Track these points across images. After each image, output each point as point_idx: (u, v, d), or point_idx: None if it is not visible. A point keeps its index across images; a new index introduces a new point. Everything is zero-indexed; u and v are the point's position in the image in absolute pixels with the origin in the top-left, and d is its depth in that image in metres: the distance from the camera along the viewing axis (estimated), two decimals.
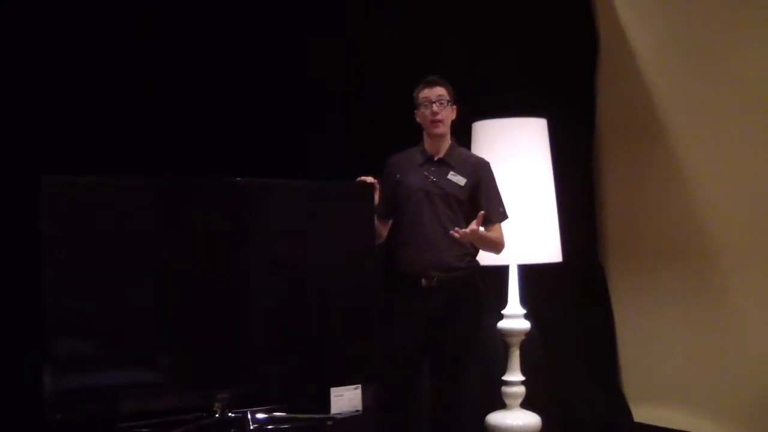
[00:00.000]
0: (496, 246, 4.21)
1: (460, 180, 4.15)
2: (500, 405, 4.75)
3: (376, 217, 4.17)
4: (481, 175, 4.20)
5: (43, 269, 3.37)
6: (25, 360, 3.51)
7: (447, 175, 4.15)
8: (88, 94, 4.02)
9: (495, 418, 4.70)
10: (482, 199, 4.17)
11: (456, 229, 3.96)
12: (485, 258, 4.31)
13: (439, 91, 4.14)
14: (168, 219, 3.75)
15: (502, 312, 4.74)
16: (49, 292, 3.38)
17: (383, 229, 4.27)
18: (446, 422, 4.19)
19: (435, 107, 4.12)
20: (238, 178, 3.93)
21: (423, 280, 4.11)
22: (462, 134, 4.55)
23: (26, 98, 3.85)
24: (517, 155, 4.69)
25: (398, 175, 4.22)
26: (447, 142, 4.21)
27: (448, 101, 4.14)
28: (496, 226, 4.20)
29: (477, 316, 4.27)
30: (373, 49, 4.96)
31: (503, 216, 4.24)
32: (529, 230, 4.63)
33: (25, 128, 3.84)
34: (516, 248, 4.52)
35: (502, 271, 4.76)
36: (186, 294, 3.75)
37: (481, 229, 4.03)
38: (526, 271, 4.81)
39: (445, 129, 4.17)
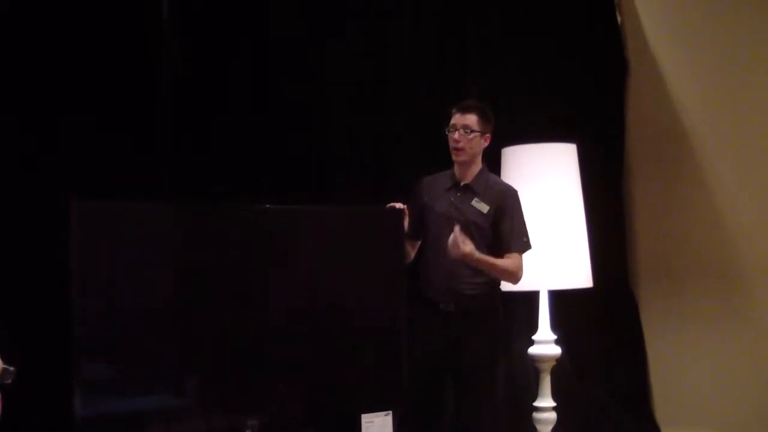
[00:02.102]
0: (508, 275, 4.17)
1: (484, 207, 4.13)
2: (531, 431, 4.72)
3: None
4: (506, 204, 4.16)
5: (73, 293, 3.38)
6: (55, 384, 3.52)
7: (471, 201, 4.14)
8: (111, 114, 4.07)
9: None
10: (505, 228, 4.14)
11: (457, 229, 3.94)
12: (515, 284, 4.29)
13: (468, 120, 4.12)
14: (197, 244, 3.77)
15: (533, 338, 4.72)
16: (78, 316, 3.38)
17: (411, 250, 4.26)
18: None
19: (457, 135, 4.12)
20: (268, 205, 3.94)
21: (441, 304, 4.11)
22: (492, 160, 4.55)
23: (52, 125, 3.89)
24: (547, 180, 4.68)
25: (426, 198, 4.22)
26: (475, 168, 4.19)
27: (475, 131, 4.12)
28: (515, 255, 4.17)
29: (495, 341, 4.24)
30: (401, 70, 4.98)
31: (526, 246, 4.19)
32: (560, 256, 4.61)
33: (54, 153, 3.87)
34: (546, 274, 4.51)
35: (532, 296, 4.74)
36: (214, 319, 3.75)
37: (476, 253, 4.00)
38: (556, 296, 4.78)
39: (466, 157, 4.15)
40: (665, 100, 5.61)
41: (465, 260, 3.98)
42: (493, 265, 4.10)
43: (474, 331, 4.09)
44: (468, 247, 3.92)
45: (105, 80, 4.04)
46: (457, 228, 3.92)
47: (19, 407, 3.27)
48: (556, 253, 4.58)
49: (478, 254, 3.98)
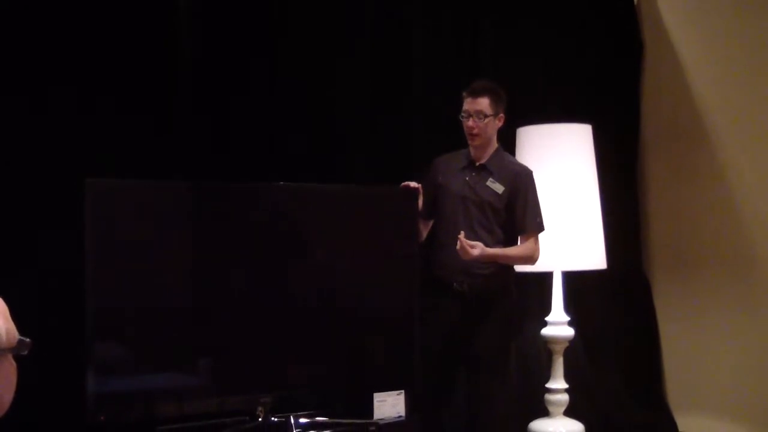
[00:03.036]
0: (524, 260, 4.18)
1: (498, 188, 4.11)
2: (543, 412, 4.71)
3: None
4: (521, 184, 4.15)
5: (86, 272, 3.39)
6: (69, 361, 3.53)
7: (486, 181, 4.13)
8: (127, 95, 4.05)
9: (538, 425, 4.66)
10: (519, 208, 4.12)
11: (461, 236, 3.93)
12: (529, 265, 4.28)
13: (480, 105, 4.09)
14: (209, 223, 3.77)
15: (546, 319, 4.71)
16: (91, 296, 3.40)
17: (423, 229, 4.25)
18: (481, 428, 4.18)
19: (471, 122, 4.10)
20: (281, 183, 3.93)
21: (455, 284, 4.10)
22: (507, 140, 4.53)
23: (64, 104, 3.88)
24: (562, 161, 4.66)
25: (440, 178, 4.21)
26: (491, 149, 4.18)
27: (488, 115, 4.10)
28: (530, 237, 4.16)
29: (508, 322, 4.24)
30: (416, 51, 4.95)
31: (539, 227, 4.17)
32: (573, 237, 4.60)
33: (66, 132, 3.86)
34: (560, 255, 4.49)
35: (545, 277, 4.73)
36: (229, 299, 3.76)
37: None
38: (569, 278, 4.77)
39: (481, 141, 4.13)
40: (681, 82, 5.58)
41: (479, 261, 3.97)
42: (507, 257, 4.11)
43: (487, 312, 4.08)
44: (476, 250, 3.91)
45: (124, 60, 4.02)
46: (461, 235, 3.91)
47: (34, 386, 3.32)
48: (570, 234, 4.57)
49: (489, 250, 3.97)
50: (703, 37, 5.52)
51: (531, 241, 4.14)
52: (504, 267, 4.15)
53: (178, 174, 4.05)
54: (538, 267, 4.35)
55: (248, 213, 3.84)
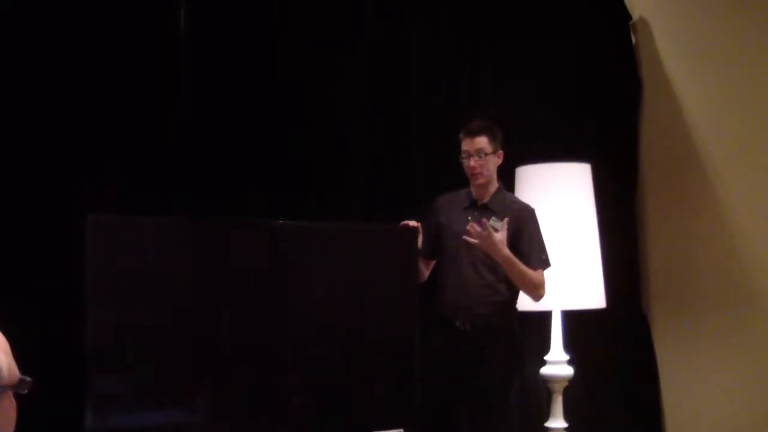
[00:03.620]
0: (532, 286, 4.13)
1: (501, 226, 4.13)
2: None
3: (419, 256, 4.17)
4: (524, 222, 4.17)
5: (87, 306, 3.39)
6: (68, 398, 3.51)
7: (489, 221, 4.15)
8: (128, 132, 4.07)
9: None
10: (524, 245, 4.13)
11: (472, 225, 3.92)
12: (528, 304, 4.28)
13: (479, 143, 4.12)
14: (210, 258, 3.78)
15: (545, 358, 4.70)
16: (91, 330, 3.40)
17: (426, 269, 4.26)
18: None
19: (473, 161, 4.12)
20: (281, 221, 3.95)
21: (458, 323, 4.10)
22: (506, 179, 4.55)
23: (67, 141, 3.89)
24: (561, 200, 4.68)
25: (442, 217, 4.23)
26: (492, 187, 4.20)
27: (488, 153, 4.12)
28: (538, 271, 4.16)
29: (510, 361, 4.24)
30: (416, 51, 5.00)
31: (545, 264, 4.19)
32: (573, 276, 4.60)
33: (68, 167, 3.87)
34: (559, 293, 4.50)
35: (545, 317, 4.72)
36: (228, 334, 3.76)
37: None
38: (569, 317, 4.77)
39: (484, 180, 4.16)
40: (680, 120, 5.60)
41: (495, 253, 3.95)
42: (522, 271, 4.07)
43: (489, 350, 4.09)
44: (499, 235, 3.91)
45: (123, 61, 4.04)
46: (473, 224, 3.91)
47: (33, 421, 3.31)
48: (569, 273, 4.57)
49: (507, 250, 3.97)
50: (701, 75, 5.54)
51: (541, 274, 4.14)
52: (507, 306, 4.15)
53: (178, 179, 4.12)
54: (538, 306, 4.35)
55: (247, 249, 3.85)
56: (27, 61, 3.84)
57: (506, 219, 4.01)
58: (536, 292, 4.15)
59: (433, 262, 4.27)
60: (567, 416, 4.67)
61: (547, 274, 4.22)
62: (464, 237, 3.97)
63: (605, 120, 5.57)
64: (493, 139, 4.14)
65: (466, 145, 4.13)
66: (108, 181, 3.88)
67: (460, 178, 4.25)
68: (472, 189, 4.21)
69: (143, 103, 4.09)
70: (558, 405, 4.66)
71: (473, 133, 4.13)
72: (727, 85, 5.39)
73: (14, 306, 3.53)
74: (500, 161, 4.19)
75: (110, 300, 3.47)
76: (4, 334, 1.58)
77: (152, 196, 4.03)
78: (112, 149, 3.97)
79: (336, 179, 4.62)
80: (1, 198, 3.72)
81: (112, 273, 3.49)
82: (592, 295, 4.69)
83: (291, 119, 4.54)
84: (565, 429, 4.65)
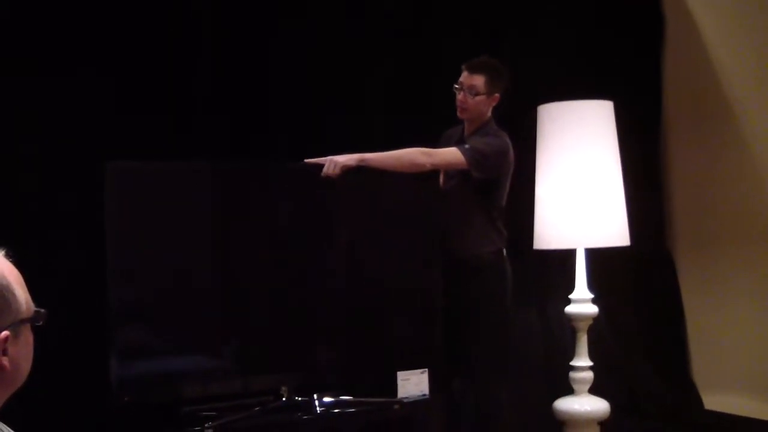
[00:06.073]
0: (406, 161, 3.91)
1: None
2: (568, 391, 4.69)
3: None
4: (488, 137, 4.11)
5: (108, 256, 3.40)
6: (94, 343, 3.54)
7: None
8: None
9: (563, 403, 4.64)
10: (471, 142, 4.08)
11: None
12: (550, 242, 4.26)
13: (475, 80, 4.05)
14: (233, 204, 3.77)
15: (569, 296, 4.68)
16: (114, 279, 3.41)
17: None
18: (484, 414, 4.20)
19: (461, 96, 4.08)
20: (302, 163, 3.93)
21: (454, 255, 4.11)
22: (528, 118, 4.54)
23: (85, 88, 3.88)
24: (584, 138, 4.61)
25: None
26: (478, 124, 4.14)
27: (480, 93, 4.06)
28: (450, 150, 4.03)
29: (500, 299, 4.20)
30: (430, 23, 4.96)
31: (465, 151, 4.00)
32: (596, 214, 4.55)
33: (86, 114, 3.86)
34: (583, 231, 4.46)
35: (568, 254, 4.70)
36: (253, 280, 3.77)
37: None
38: (593, 255, 4.74)
39: (468, 115, 4.11)
40: (703, 57, 5.53)
41: (348, 162, 3.78)
42: (390, 155, 3.89)
43: (480, 286, 4.09)
44: (340, 158, 3.78)
45: (141, 60, 4.02)
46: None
47: (58, 368, 3.34)
48: (593, 211, 4.52)
49: (363, 155, 3.84)
50: (725, 11, 5.48)
51: (451, 150, 4.04)
52: (495, 248, 4.14)
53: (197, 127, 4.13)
54: (561, 244, 4.32)
55: (271, 193, 3.84)
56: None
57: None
58: (413, 160, 3.92)
59: None
60: (592, 355, 4.67)
61: (571, 211, 4.18)
62: (322, 174, 3.79)
63: (628, 57, 5.52)
64: (492, 80, 4.06)
65: (463, 78, 4.08)
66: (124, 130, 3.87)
67: None
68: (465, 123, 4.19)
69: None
70: (583, 343, 4.65)
71: (473, 69, 4.07)
72: (754, 19, 5.31)
73: (36, 255, 3.56)
74: (494, 104, 4.12)
75: (132, 247, 3.47)
76: (28, 284, 1.60)
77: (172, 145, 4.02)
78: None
79: (356, 119, 4.60)
80: (23, 147, 3.71)
81: (132, 221, 3.48)
82: (616, 233, 4.65)
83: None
84: (590, 367, 4.64)
